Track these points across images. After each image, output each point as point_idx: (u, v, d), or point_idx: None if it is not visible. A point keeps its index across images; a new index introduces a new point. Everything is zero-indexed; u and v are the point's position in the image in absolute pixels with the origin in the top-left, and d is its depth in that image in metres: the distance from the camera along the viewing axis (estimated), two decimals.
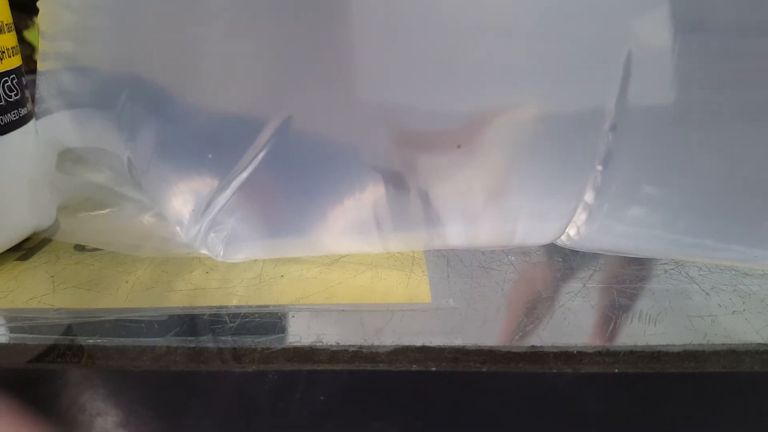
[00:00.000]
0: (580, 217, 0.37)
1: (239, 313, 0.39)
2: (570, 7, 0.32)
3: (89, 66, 0.43)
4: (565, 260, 0.46)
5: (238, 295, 0.42)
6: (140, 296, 0.42)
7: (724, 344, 0.35)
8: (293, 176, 0.37)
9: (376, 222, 0.38)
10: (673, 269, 0.44)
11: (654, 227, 0.37)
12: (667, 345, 0.34)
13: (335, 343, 0.35)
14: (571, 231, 0.39)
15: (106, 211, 0.51)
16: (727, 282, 0.42)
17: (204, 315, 0.39)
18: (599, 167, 0.35)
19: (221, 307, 0.40)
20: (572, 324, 0.37)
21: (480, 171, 0.35)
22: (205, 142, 0.36)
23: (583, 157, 0.34)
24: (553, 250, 0.47)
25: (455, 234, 0.39)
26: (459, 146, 0.34)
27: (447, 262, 0.46)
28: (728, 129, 0.33)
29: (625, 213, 0.36)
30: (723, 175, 0.35)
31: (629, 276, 0.43)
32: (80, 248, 0.51)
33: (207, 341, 0.36)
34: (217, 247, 0.40)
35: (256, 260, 0.46)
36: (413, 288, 0.42)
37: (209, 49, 0.36)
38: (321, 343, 0.35)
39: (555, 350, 0.35)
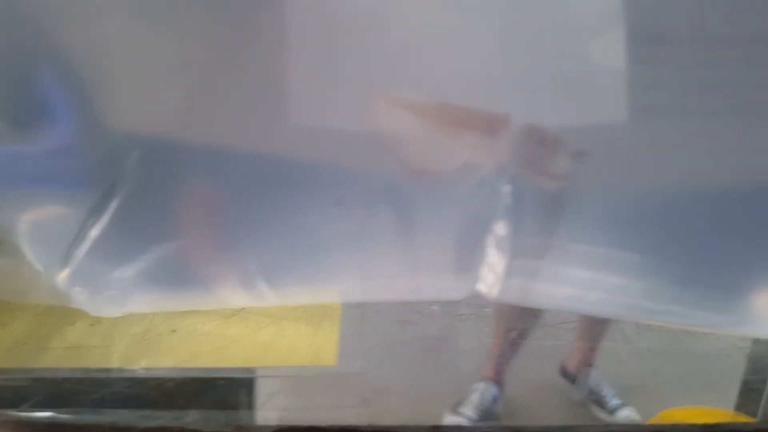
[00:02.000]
0: (488, 274, 0.33)
1: (108, 379, 0.34)
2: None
3: None
4: (494, 312, 0.42)
5: (118, 355, 0.37)
6: (7, 355, 0.37)
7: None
8: (163, 222, 0.32)
9: (265, 276, 0.34)
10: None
11: (578, 286, 0.33)
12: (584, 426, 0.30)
13: (202, 424, 0.30)
14: (483, 287, 0.35)
15: None
16: (667, 339, 0.38)
17: (69, 380, 0.34)
18: (499, 223, 0.31)
19: (93, 370, 0.36)
20: (486, 399, 0.33)
21: (370, 225, 0.31)
22: (56, 187, 0.31)
23: (479, 213, 0.30)
24: (482, 300, 0.43)
25: (354, 288, 0.35)
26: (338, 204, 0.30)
27: (362, 315, 0.41)
28: (645, 187, 0.30)
29: (540, 270, 0.32)
30: (641, 232, 0.31)
31: (558, 332, 0.39)
32: None
33: (63, 415, 0.32)
34: (85, 302, 0.36)
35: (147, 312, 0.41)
36: (319, 346, 0.38)
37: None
38: (188, 426, 0.30)
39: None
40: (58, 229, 0.33)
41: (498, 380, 0.91)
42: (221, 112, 0.33)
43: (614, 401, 0.98)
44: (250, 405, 0.33)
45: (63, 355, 0.37)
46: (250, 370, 0.35)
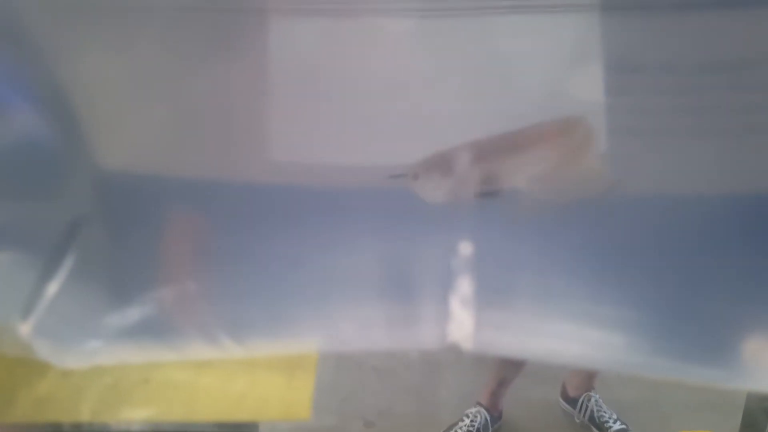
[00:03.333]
0: (456, 324, 0.32)
1: None
2: None
3: None
4: (475, 359, 0.41)
5: (89, 407, 0.36)
6: None
7: None
8: (128, 273, 0.32)
9: (226, 328, 0.33)
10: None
11: (555, 339, 0.32)
12: None
13: None
14: (456, 338, 0.34)
15: None
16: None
17: None
18: (456, 271, 0.31)
19: (59, 426, 0.35)
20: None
21: (335, 275, 0.31)
22: (14, 234, 0.31)
23: (433, 261, 0.30)
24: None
25: (322, 338, 0.34)
26: None
27: (337, 362, 0.40)
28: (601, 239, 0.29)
29: (512, 324, 0.32)
30: (617, 282, 0.30)
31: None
32: None
33: None
34: (50, 354, 0.35)
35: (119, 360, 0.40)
36: (292, 397, 0.37)
37: None
38: None
39: None
40: (16, 280, 0.32)
41: (490, 407, 0.89)
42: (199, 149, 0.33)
43: (616, 425, 0.96)
44: None
45: (30, 407, 0.36)
46: (219, 425, 0.35)
